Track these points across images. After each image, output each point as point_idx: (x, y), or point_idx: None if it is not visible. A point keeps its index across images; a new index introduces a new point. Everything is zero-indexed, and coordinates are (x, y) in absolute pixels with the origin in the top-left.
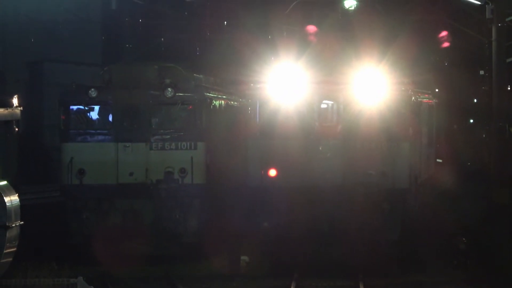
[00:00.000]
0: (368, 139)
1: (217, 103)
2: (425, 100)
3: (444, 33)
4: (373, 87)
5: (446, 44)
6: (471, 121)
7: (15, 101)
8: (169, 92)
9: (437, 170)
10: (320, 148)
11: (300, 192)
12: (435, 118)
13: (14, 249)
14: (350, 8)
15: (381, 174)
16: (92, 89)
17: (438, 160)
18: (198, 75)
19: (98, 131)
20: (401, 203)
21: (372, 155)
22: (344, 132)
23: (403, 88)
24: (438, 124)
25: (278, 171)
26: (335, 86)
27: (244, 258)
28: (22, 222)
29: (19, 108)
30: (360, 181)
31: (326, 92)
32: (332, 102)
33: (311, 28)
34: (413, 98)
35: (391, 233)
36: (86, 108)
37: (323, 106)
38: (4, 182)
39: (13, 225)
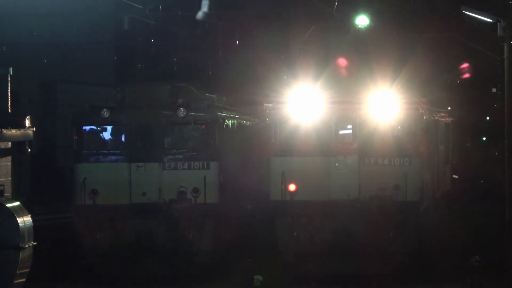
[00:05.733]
0: (382, 156)
1: (229, 122)
2: (441, 118)
3: (465, 65)
4: (386, 106)
5: (466, 75)
6: (484, 138)
7: (27, 122)
8: (182, 112)
9: (453, 186)
10: (337, 165)
11: (318, 205)
12: (451, 136)
13: (28, 269)
14: (362, 27)
15: (394, 187)
16: (105, 110)
17: (454, 176)
18: (210, 95)
19: (111, 151)
20: (413, 215)
21: (386, 170)
22: (360, 149)
23: (414, 107)
24: (453, 142)
25: (297, 186)
26: (351, 106)
27: (258, 277)
28: (35, 243)
29: (32, 129)
30: (375, 194)
31: (342, 111)
32: (348, 121)
33: (342, 62)
34: (424, 116)
35: (405, 243)
36: (99, 128)
37: (340, 125)
38: (17, 203)
39: (26, 245)
